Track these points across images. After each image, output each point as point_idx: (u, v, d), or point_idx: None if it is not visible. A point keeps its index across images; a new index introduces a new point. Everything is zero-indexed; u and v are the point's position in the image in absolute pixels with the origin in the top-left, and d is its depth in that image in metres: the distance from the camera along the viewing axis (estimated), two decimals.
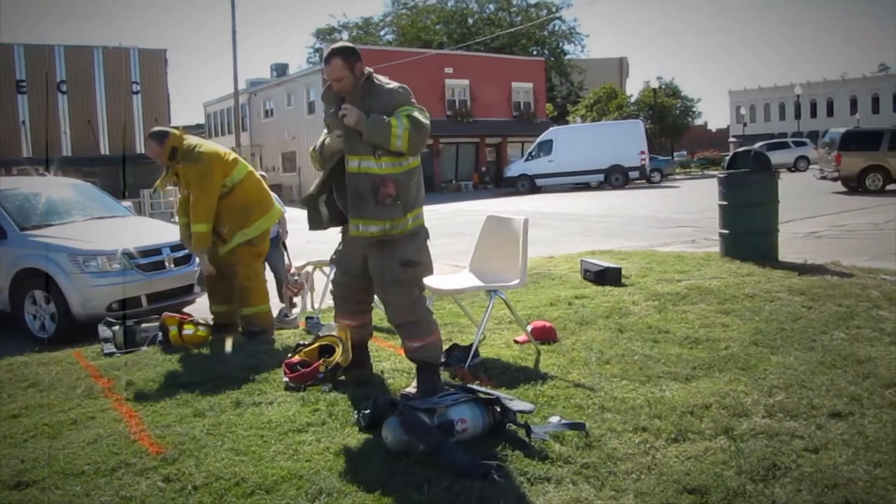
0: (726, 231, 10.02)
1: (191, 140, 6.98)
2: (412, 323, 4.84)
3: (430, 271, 4.97)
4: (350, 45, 4.93)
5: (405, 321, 4.85)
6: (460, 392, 4.18)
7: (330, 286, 7.34)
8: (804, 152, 43.93)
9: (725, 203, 10.00)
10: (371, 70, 4.87)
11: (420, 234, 4.87)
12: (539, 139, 39.00)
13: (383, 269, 4.77)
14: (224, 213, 6.87)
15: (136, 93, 39.54)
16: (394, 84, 4.84)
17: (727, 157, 11.30)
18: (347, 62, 4.74)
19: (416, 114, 4.66)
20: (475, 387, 4.44)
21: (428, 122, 4.70)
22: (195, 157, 6.77)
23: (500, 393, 4.31)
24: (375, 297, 5.31)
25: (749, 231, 9.73)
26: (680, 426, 4.07)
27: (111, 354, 6.60)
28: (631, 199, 26.91)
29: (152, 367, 5.94)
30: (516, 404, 4.13)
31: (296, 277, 8.23)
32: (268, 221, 7.17)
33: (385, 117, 4.61)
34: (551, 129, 41.15)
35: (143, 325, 7.09)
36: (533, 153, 38.56)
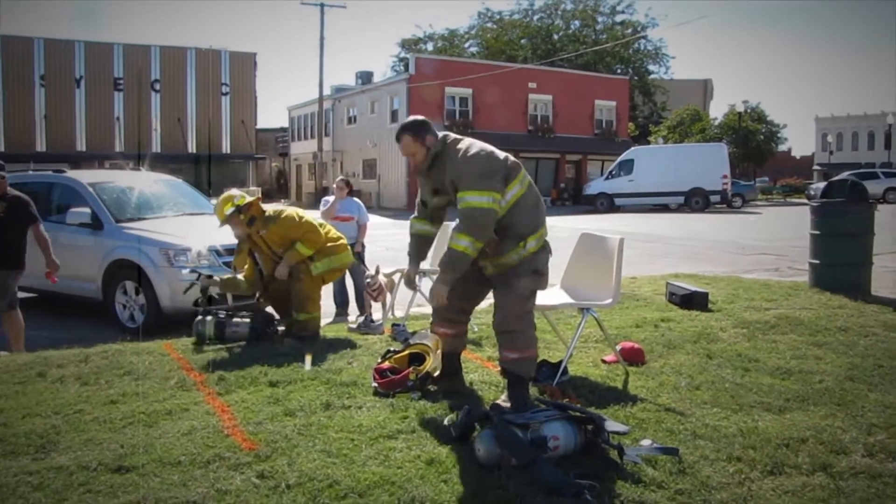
0: (817, 261, 9.77)
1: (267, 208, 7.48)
2: (516, 332, 4.84)
3: (546, 286, 5.02)
4: (417, 119, 5.03)
5: (510, 328, 4.84)
6: (553, 409, 4.16)
7: (420, 296, 7.47)
8: (894, 183, 42.66)
9: (818, 232, 9.76)
10: (447, 134, 4.96)
11: (546, 248, 4.99)
12: (620, 158, 38.75)
13: (511, 275, 4.84)
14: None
15: (226, 94, 40.55)
16: (472, 150, 4.81)
17: (812, 186, 11.04)
18: (417, 138, 4.90)
19: (467, 208, 4.67)
20: (568, 404, 4.42)
21: (483, 206, 4.65)
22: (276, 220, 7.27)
23: (592, 412, 4.28)
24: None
25: (841, 262, 9.46)
26: (775, 458, 3.99)
27: (201, 344, 6.77)
28: (711, 224, 26.48)
29: (243, 364, 6.04)
30: (610, 424, 4.10)
31: (367, 279, 8.28)
32: (332, 262, 7.46)
33: (446, 253, 4.77)
34: (633, 148, 40.90)
35: (235, 320, 7.22)
36: (613, 172, 38.33)
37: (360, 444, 4.19)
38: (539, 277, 4.92)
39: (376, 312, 8.42)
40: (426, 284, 7.41)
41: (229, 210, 7.08)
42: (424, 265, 6.10)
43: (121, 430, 4.55)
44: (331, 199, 9.29)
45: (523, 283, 4.84)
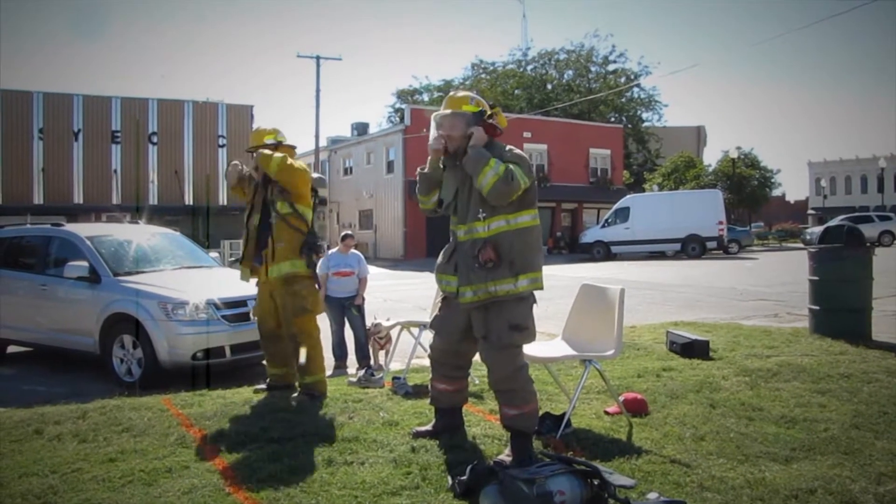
0: (817, 307, 9.76)
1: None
2: (512, 390, 4.80)
3: (533, 337, 4.94)
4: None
5: (506, 388, 4.81)
6: (558, 463, 4.11)
7: (419, 348, 7.44)
8: (889, 227, 42.84)
9: (817, 278, 9.76)
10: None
11: (528, 298, 4.87)
12: (616, 206, 38.83)
13: (490, 333, 4.76)
14: (286, 231, 7.14)
15: (222, 146, 40.75)
16: (519, 152, 4.96)
17: (807, 230, 11.05)
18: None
19: (516, 169, 4.70)
20: (573, 457, 4.36)
21: (523, 182, 4.72)
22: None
23: (598, 465, 4.23)
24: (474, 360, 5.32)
25: (841, 308, 9.45)
26: None
27: None
28: (708, 270, 26.46)
29: (243, 420, 5.98)
30: (616, 478, 4.05)
31: (375, 324, 8.31)
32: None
33: (489, 154, 4.73)
34: (628, 196, 41.02)
35: None
36: (609, 220, 38.40)
37: (364, 502, 4.13)
38: (520, 332, 4.80)
39: (380, 355, 8.49)
40: (426, 337, 7.38)
41: (270, 140, 7.37)
42: (424, 317, 6.07)
43: (120, 489, 4.47)
44: (330, 252, 9.30)
45: (504, 340, 4.76)
